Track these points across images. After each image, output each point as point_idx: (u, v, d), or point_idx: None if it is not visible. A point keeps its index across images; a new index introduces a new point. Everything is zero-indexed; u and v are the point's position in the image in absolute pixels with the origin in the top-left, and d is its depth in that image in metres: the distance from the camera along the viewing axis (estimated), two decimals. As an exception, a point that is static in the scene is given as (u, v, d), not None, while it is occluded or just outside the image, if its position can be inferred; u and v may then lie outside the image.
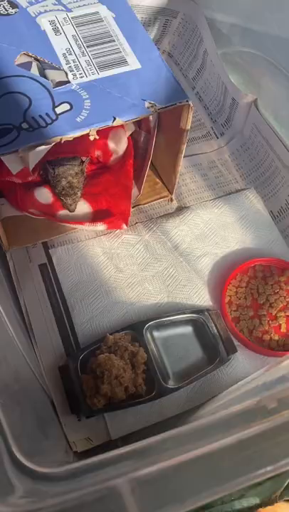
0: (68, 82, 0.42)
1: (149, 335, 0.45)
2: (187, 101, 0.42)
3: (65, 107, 0.41)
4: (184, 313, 0.46)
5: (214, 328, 0.45)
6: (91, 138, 0.38)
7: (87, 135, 0.38)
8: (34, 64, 0.44)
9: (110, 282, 0.49)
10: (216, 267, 0.50)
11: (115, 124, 0.40)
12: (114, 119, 0.40)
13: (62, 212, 0.51)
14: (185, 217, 0.54)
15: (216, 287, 0.49)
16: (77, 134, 0.38)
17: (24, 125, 0.39)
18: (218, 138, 0.62)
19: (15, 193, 0.50)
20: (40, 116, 0.40)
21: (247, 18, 0.54)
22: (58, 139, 0.39)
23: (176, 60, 0.67)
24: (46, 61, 0.43)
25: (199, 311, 0.46)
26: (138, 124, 0.53)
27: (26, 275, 0.49)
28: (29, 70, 0.43)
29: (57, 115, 0.40)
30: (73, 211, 0.48)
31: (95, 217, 0.51)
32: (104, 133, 0.49)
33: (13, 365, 0.32)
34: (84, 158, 0.47)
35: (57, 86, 0.42)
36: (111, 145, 0.51)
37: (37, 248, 0.51)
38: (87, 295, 0.48)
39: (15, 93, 0.41)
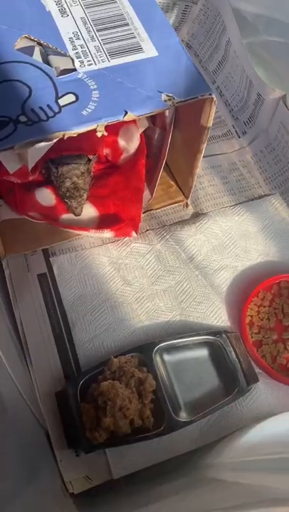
0: (74, 70, 0.39)
1: (158, 358, 0.42)
2: (210, 94, 0.38)
3: (70, 98, 0.37)
4: (199, 335, 0.43)
5: (233, 352, 0.43)
6: (98, 134, 0.35)
7: (94, 131, 0.35)
8: (37, 49, 0.40)
9: (117, 296, 0.46)
10: (236, 282, 0.48)
11: (126, 118, 0.36)
12: (126, 113, 0.36)
13: (66, 216, 0.49)
14: (202, 225, 0.51)
15: (235, 306, 0.46)
16: (83, 129, 0.35)
17: (22, 118, 0.36)
18: (239, 137, 0.59)
19: (14, 194, 0.49)
20: (41, 108, 0.36)
21: (272, 8, 0.52)
22: (60, 134, 0.35)
23: (195, 51, 0.63)
24: (50, 46, 0.39)
25: (216, 332, 0.43)
26: (152, 119, 0.50)
27: (23, 286, 0.47)
28: (30, 56, 0.39)
29: (60, 107, 0.36)
30: (79, 215, 0.47)
31: (101, 223, 0.49)
32: (113, 129, 0.48)
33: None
34: (91, 157, 0.46)
35: (61, 74, 0.38)
36: (121, 142, 0.49)
37: (36, 256, 0.48)
38: (90, 310, 0.46)
39: (13, 81, 0.37)
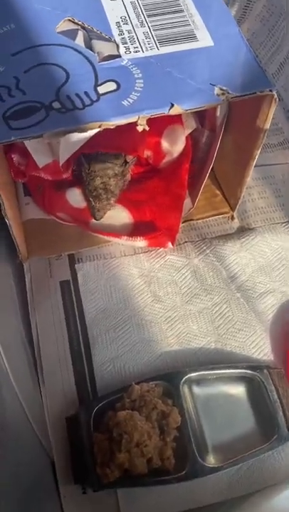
0: (119, 56, 0.37)
1: (187, 390, 0.40)
2: (271, 90, 0.35)
3: (111, 86, 0.35)
4: (236, 368, 0.41)
5: (274, 392, 0.40)
6: (139, 128, 0.33)
7: (135, 126, 0.33)
8: (80, 33, 0.39)
9: (144, 314, 0.45)
10: (284, 310, 0.45)
11: (172, 112, 0.34)
12: (172, 106, 0.34)
13: (97, 221, 0.48)
14: (248, 242, 0.49)
15: (280, 337, 0.44)
16: (122, 121, 0.33)
17: (55, 104, 0.34)
18: (297, 147, 0.55)
19: (43, 192, 0.48)
20: (78, 95, 0.35)
21: None
22: (96, 125, 0.33)
23: (254, 51, 0.58)
24: (95, 30, 0.38)
25: (256, 367, 0.41)
26: (200, 120, 0.49)
27: (44, 293, 0.46)
28: (73, 40, 0.38)
29: (98, 95, 0.35)
30: (98, 220, 0.46)
31: (135, 231, 0.48)
32: (157, 129, 0.46)
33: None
34: (129, 158, 0.45)
35: (104, 60, 0.37)
36: (165, 145, 0.48)
37: (61, 261, 0.48)
38: (113, 327, 0.44)
39: (49, 65, 0.36)
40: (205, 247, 0.49)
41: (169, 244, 0.47)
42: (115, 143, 0.43)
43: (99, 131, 0.33)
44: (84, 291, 0.46)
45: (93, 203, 0.45)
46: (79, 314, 0.45)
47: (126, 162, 0.45)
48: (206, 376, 0.41)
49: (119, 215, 0.48)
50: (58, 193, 0.47)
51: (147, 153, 0.48)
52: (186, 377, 0.40)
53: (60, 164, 0.44)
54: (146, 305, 0.46)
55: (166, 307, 0.46)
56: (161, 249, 0.48)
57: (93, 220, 0.48)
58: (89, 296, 0.46)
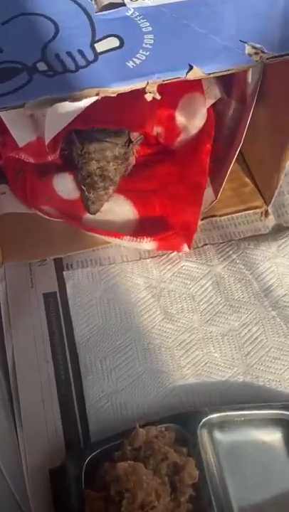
0: (123, 4, 0.37)
1: (206, 436, 0.41)
2: None
3: (112, 42, 0.36)
4: (271, 408, 0.42)
5: None
6: (148, 97, 0.34)
7: (143, 93, 0.33)
8: None
9: (152, 336, 0.46)
10: None
11: (191, 76, 0.34)
12: (191, 68, 0.34)
13: (92, 215, 0.50)
14: (287, 245, 0.50)
15: None
16: (126, 87, 0.33)
17: (41, 66, 0.34)
18: None
19: (23, 179, 0.50)
20: (69, 53, 0.35)
21: None
22: (92, 92, 0.33)
23: None
24: None
25: None
26: (226, 88, 0.50)
27: (23, 308, 0.47)
28: None
29: (96, 54, 0.35)
30: (94, 213, 0.47)
31: (140, 229, 0.49)
32: (171, 99, 0.48)
33: None
34: (134, 136, 0.47)
35: (103, 10, 0.37)
36: (180, 119, 0.49)
37: (46, 267, 0.49)
38: (112, 352, 0.45)
39: (34, 15, 0.36)
40: (231, 252, 0.50)
41: (185, 247, 0.48)
42: (117, 116, 0.44)
43: (96, 101, 0.34)
44: (74, 306, 0.47)
45: (87, 193, 0.46)
46: (67, 335, 0.46)
47: (130, 141, 0.46)
48: (232, 418, 0.41)
49: (120, 209, 0.49)
50: (43, 180, 0.48)
51: (157, 129, 0.49)
52: (206, 419, 0.40)
53: (46, 143, 0.44)
54: (154, 325, 0.47)
55: (180, 328, 0.47)
56: (175, 253, 0.49)
57: (87, 215, 0.49)
58: (81, 312, 0.46)
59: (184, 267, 0.49)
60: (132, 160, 0.49)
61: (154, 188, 0.50)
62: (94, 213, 0.47)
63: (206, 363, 0.45)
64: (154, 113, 0.47)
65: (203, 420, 0.40)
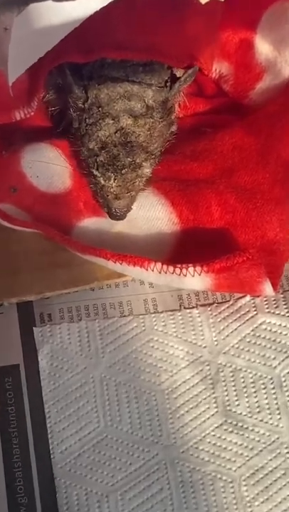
0: None
1: None
2: None
3: None
4: None
5: None
6: (202, 0, 0.27)
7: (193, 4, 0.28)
8: None
9: (201, 456, 0.35)
10: None
11: None
12: None
13: (92, 221, 0.39)
14: None
15: None
16: None
17: None
18: None
19: None
20: None
21: None
22: None
23: None
24: None
25: None
26: None
27: None
28: None
29: None
30: (121, 217, 0.37)
31: (182, 250, 0.38)
32: (247, 11, 0.39)
33: None
34: (178, 71, 0.37)
35: None
36: (263, 48, 0.39)
37: (2, 318, 0.38)
38: (121, 488, 0.36)
39: None
40: None
41: (267, 288, 0.36)
42: (146, 38, 0.35)
43: (109, 13, 0.26)
44: (51, 396, 0.36)
45: (103, 180, 0.36)
46: (38, 459, 0.36)
47: (174, 77, 0.36)
48: None
49: (147, 214, 0.38)
50: (3, 156, 0.39)
51: (220, 66, 0.39)
52: None
53: (10, 85, 0.32)
54: (205, 435, 0.36)
55: (254, 443, 0.36)
56: (247, 298, 0.38)
57: (85, 223, 0.38)
58: (63, 407, 0.36)
59: (263, 326, 0.38)
60: (175, 120, 0.39)
61: (210, 175, 0.39)
62: (122, 216, 0.37)
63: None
64: (214, 35, 0.37)
65: None
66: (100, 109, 0.36)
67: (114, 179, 0.37)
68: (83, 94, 0.36)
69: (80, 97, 0.36)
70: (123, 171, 0.36)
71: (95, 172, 0.37)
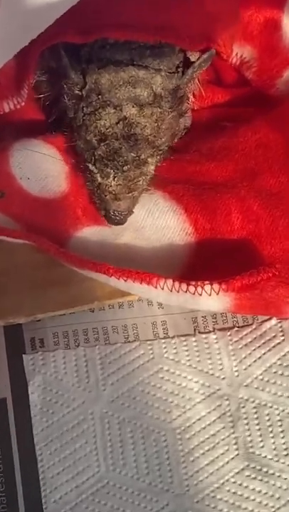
0: None
1: None
2: None
3: None
4: None
5: None
6: None
7: None
8: None
9: (220, 507, 0.33)
10: None
11: None
12: None
13: (91, 230, 0.35)
14: None
15: None
16: None
17: None
18: None
19: None
20: None
21: None
22: None
23: None
24: None
25: None
26: None
27: None
28: None
29: None
30: (121, 221, 0.34)
31: (197, 265, 0.34)
32: None
33: None
34: (192, 55, 0.34)
35: None
36: None
37: None
38: None
39: None
40: None
41: None
42: (156, 16, 0.32)
43: None
44: (43, 435, 0.33)
45: (100, 178, 0.33)
46: (28, 498, 0.33)
47: (187, 61, 0.34)
48: None
49: (157, 222, 0.35)
50: None
51: (242, 51, 0.36)
52: None
53: None
54: (223, 482, 0.33)
55: (281, 492, 0.33)
56: (272, 322, 0.35)
57: (84, 232, 0.34)
58: (56, 447, 0.32)
59: (291, 355, 0.38)
60: (189, 115, 0.37)
61: (230, 177, 0.35)
62: (121, 221, 0.33)
63: None
64: (235, 14, 0.35)
65: None
66: (99, 96, 0.33)
67: (114, 177, 0.33)
68: (80, 79, 0.33)
69: (77, 83, 0.33)
70: (125, 168, 0.33)
71: (91, 167, 0.33)
